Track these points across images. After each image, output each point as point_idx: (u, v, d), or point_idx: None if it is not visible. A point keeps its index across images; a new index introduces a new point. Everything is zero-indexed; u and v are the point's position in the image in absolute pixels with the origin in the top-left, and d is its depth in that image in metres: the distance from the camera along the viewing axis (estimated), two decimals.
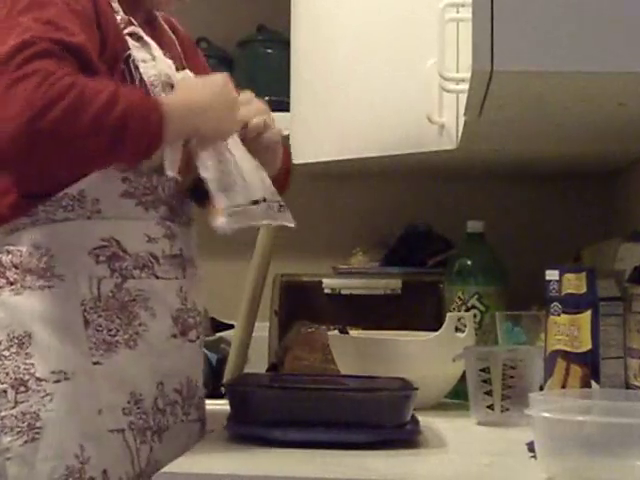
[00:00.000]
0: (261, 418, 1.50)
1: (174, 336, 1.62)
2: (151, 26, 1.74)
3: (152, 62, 1.63)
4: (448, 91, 1.86)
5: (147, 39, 1.64)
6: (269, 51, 2.66)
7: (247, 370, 2.28)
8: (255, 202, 1.61)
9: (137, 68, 1.60)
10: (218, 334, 2.48)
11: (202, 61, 1.88)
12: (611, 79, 1.37)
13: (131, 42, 1.62)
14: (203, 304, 1.73)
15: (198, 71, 1.77)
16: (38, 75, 1.42)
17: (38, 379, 1.53)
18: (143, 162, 1.58)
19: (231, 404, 1.57)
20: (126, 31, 1.62)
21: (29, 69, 1.42)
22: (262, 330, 2.42)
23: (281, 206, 1.64)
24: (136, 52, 1.62)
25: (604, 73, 1.33)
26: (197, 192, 1.69)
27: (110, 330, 1.56)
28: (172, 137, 1.55)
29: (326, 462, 1.39)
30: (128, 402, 1.56)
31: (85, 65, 1.50)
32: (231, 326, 2.44)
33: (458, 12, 1.77)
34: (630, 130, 1.83)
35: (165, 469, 1.33)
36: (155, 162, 1.60)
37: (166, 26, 1.80)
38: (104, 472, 1.53)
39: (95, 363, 1.54)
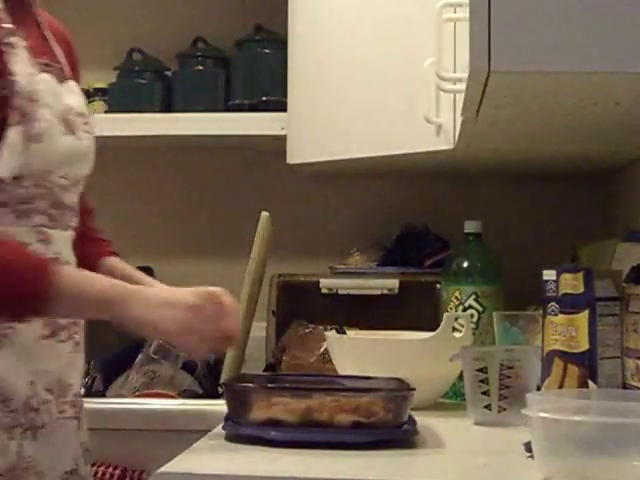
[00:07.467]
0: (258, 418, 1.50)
1: (44, 337, 1.63)
2: (37, 29, 1.71)
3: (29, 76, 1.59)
4: (445, 91, 1.86)
5: (23, 55, 1.60)
6: (266, 51, 2.65)
7: (244, 370, 2.28)
8: None
9: (13, 82, 1.56)
10: None
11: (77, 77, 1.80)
12: (607, 79, 1.37)
13: (11, 51, 1.58)
14: None
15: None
16: None
17: None
18: (25, 173, 1.57)
19: (228, 404, 1.57)
20: (6, 40, 1.58)
21: None
22: (259, 330, 2.42)
23: None
24: (16, 66, 1.57)
25: (600, 73, 1.33)
26: None
27: None
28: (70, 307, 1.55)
29: (323, 462, 1.38)
30: None
31: None
32: None
33: (455, 12, 1.77)
34: (627, 130, 1.83)
35: (162, 469, 1.32)
36: (35, 174, 1.59)
37: (47, 29, 1.75)
38: None
39: None
